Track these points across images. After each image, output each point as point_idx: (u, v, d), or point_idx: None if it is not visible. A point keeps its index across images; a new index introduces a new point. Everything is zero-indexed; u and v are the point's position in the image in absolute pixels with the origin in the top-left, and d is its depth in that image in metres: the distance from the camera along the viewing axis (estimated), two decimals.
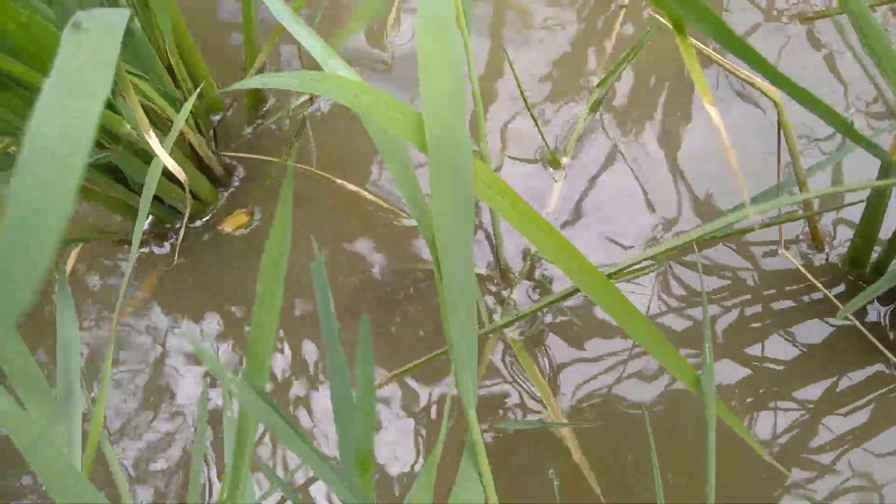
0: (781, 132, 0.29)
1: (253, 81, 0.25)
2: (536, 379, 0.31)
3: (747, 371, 0.33)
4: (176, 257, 0.37)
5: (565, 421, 0.32)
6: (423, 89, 0.20)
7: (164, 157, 0.25)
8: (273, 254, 0.17)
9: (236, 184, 0.40)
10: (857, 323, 0.31)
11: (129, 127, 0.27)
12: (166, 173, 0.32)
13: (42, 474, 0.19)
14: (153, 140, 0.24)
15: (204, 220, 0.39)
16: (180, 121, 0.24)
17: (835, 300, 0.31)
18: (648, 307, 0.35)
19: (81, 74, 0.13)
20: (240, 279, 0.37)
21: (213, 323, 0.36)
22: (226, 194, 0.40)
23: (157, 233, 0.38)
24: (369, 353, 0.17)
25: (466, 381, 0.21)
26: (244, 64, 0.39)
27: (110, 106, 0.26)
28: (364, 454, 0.17)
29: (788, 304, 0.35)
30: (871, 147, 0.23)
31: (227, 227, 0.40)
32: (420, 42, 0.20)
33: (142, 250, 0.39)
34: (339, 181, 0.36)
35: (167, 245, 0.38)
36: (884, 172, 0.24)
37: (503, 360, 0.33)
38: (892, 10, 0.40)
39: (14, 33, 0.18)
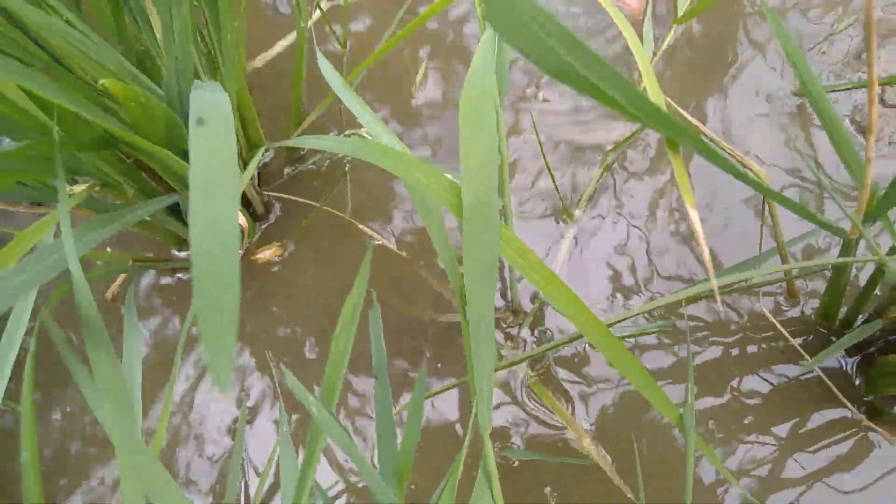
0: (766, 205, 0.33)
1: (306, 142, 0.29)
2: (553, 404, 0.35)
3: (723, 404, 0.37)
4: None
5: (588, 439, 0.36)
6: (463, 165, 0.25)
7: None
8: (352, 299, 0.21)
9: (272, 219, 0.44)
10: (822, 375, 0.35)
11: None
12: None
13: (127, 467, 0.23)
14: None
15: (241, 250, 0.43)
16: (244, 182, 0.29)
17: (802, 351, 0.35)
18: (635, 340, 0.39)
19: (211, 168, 0.17)
20: (266, 302, 0.41)
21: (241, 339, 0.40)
22: (262, 228, 0.44)
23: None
24: (422, 385, 0.21)
25: (484, 411, 0.25)
26: (290, 108, 0.43)
27: (183, 156, 0.30)
28: (405, 466, 0.21)
29: (766, 349, 0.39)
30: (834, 230, 0.27)
31: (261, 257, 0.44)
32: (462, 126, 0.24)
33: (178, 276, 0.43)
34: (370, 233, 0.40)
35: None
36: (845, 250, 0.29)
37: (519, 391, 0.37)
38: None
39: (132, 109, 0.22)
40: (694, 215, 0.21)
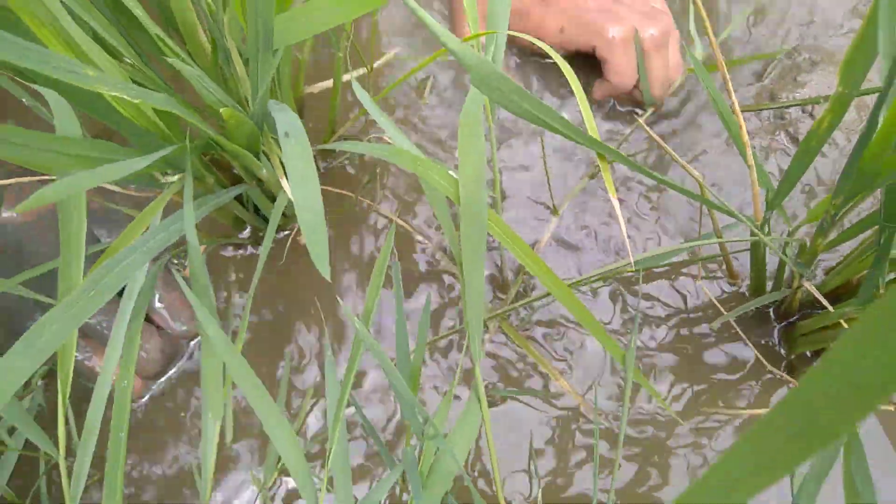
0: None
1: (344, 146, 0.39)
2: (525, 345, 0.45)
3: (669, 360, 0.47)
4: (266, 250, 0.51)
5: (562, 380, 0.46)
6: (460, 168, 0.34)
7: (290, 196, 0.39)
8: (383, 257, 0.31)
9: None
10: (738, 328, 0.45)
11: (265, 171, 0.41)
12: (271, 198, 0.47)
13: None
14: (286, 184, 0.38)
15: (286, 232, 0.53)
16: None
17: (721, 308, 0.45)
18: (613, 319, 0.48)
19: (299, 170, 0.27)
20: (310, 270, 0.51)
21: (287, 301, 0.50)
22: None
23: (256, 238, 0.52)
24: (426, 318, 0.31)
25: (476, 344, 0.35)
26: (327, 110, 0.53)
27: (254, 153, 0.40)
28: (416, 370, 0.31)
29: (708, 327, 0.48)
30: (741, 218, 0.36)
31: (302, 239, 0.54)
32: (460, 140, 0.34)
33: (240, 251, 0.53)
34: (395, 219, 0.50)
35: (260, 248, 0.53)
36: (753, 234, 0.38)
37: (504, 350, 0.47)
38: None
39: (231, 125, 0.32)
40: (616, 203, 0.30)
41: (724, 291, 0.49)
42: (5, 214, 0.41)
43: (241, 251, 0.53)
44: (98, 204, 0.48)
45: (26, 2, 0.23)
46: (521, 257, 0.35)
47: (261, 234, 0.53)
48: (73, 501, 0.30)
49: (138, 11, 0.29)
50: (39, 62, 0.21)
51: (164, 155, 0.31)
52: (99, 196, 0.49)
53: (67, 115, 0.27)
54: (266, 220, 0.52)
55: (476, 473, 0.45)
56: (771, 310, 0.48)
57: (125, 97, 0.24)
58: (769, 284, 0.47)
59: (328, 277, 0.25)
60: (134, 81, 0.35)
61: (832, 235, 0.38)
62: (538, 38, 0.42)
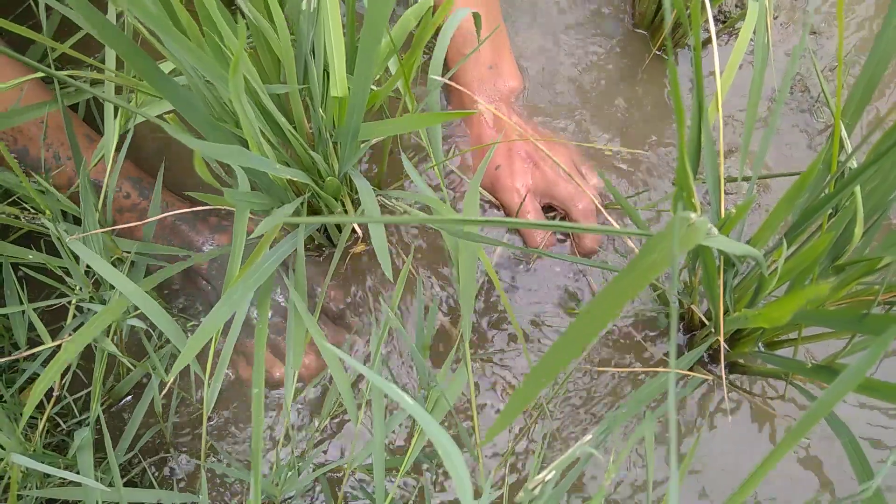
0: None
1: (396, 194, 0.61)
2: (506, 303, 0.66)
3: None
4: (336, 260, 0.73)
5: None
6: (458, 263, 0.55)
7: (356, 227, 0.60)
8: (404, 271, 0.52)
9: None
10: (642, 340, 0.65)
11: (341, 207, 0.62)
12: (338, 227, 0.68)
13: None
14: (358, 229, 0.60)
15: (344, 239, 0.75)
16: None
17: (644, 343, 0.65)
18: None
19: (371, 211, 0.49)
20: (358, 276, 0.72)
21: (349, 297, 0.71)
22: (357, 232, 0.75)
23: (320, 251, 0.74)
24: (434, 308, 0.52)
25: (466, 322, 0.56)
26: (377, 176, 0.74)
27: (335, 198, 0.61)
28: (426, 344, 0.52)
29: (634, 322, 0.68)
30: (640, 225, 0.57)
31: (355, 250, 0.75)
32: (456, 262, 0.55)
33: (314, 255, 0.75)
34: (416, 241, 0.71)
35: (322, 257, 0.74)
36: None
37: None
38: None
39: (328, 185, 0.54)
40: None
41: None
42: (208, 248, 0.65)
43: (315, 255, 0.75)
44: (216, 220, 0.70)
45: (255, 144, 0.45)
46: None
47: (324, 248, 0.74)
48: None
49: (281, 119, 0.50)
50: (256, 163, 0.42)
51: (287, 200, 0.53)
52: (216, 215, 0.71)
53: (244, 180, 0.49)
54: (329, 239, 0.74)
55: (462, 414, 0.66)
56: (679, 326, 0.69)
57: (287, 176, 0.46)
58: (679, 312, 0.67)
59: (390, 276, 0.46)
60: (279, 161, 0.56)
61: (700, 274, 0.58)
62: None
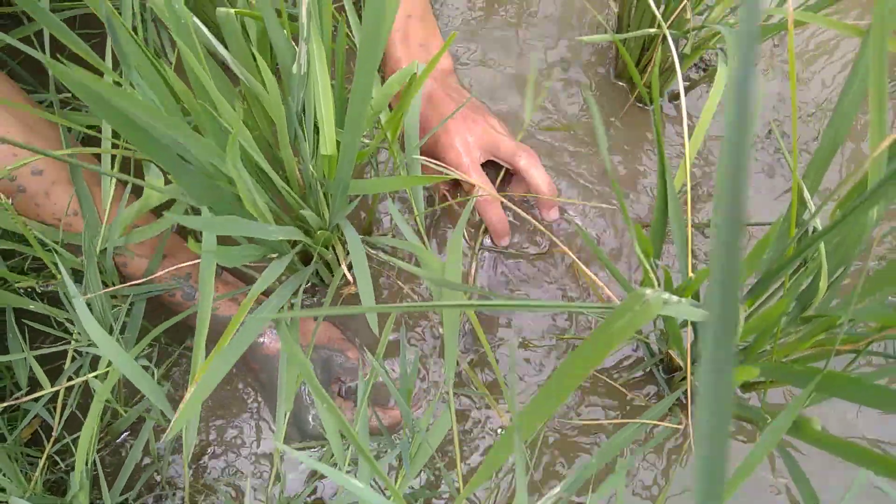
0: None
1: (383, 240, 0.63)
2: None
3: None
4: (329, 302, 0.75)
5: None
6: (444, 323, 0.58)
7: (346, 273, 0.63)
8: (390, 323, 0.54)
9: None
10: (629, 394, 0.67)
11: (330, 256, 0.65)
12: (329, 269, 0.71)
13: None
14: (348, 274, 0.62)
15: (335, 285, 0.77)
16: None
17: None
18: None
19: (359, 262, 0.51)
20: (351, 316, 0.75)
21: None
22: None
23: (313, 292, 0.76)
24: (417, 355, 0.54)
25: (450, 371, 0.58)
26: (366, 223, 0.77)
27: (326, 247, 0.64)
28: (409, 391, 0.54)
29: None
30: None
31: (348, 290, 0.78)
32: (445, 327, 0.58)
33: (305, 299, 0.77)
34: (405, 288, 0.74)
35: (316, 298, 0.77)
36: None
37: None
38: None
39: (319, 236, 0.57)
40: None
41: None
42: (265, 341, 0.66)
43: (307, 296, 0.77)
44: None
45: (251, 204, 0.47)
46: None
47: (317, 288, 0.77)
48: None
49: (276, 177, 0.53)
50: (251, 231, 0.45)
51: (279, 250, 0.56)
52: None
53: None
54: (322, 280, 0.76)
55: (444, 456, 0.68)
56: (659, 367, 0.71)
57: (282, 237, 0.49)
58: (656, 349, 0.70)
59: (377, 332, 0.48)
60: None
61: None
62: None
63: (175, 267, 0.59)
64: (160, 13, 0.49)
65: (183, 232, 0.73)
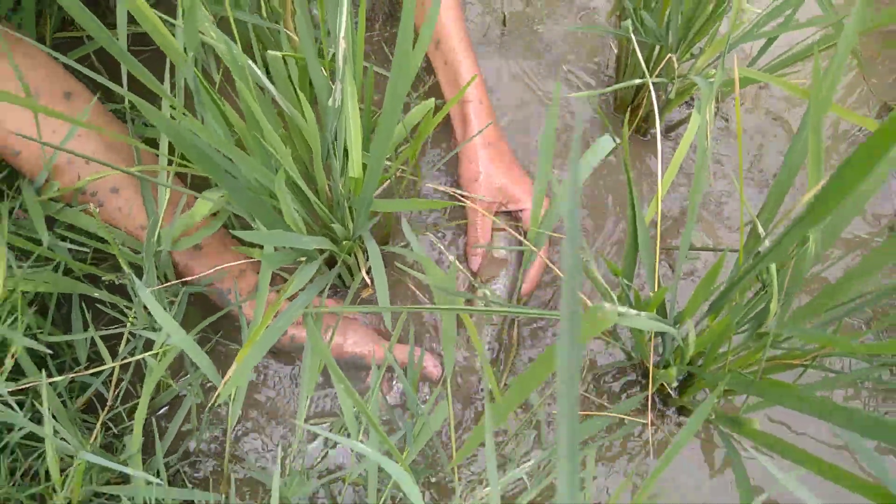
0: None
1: (396, 249, 0.73)
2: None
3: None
4: (348, 301, 0.85)
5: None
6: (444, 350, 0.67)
7: (364, 277, 0.72)
8: (402, 318, 0.64)
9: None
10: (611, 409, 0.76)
11: (351, 261, 0.75)
12: (349, 272, 0.80)
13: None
14: (366, 277, 0.72)
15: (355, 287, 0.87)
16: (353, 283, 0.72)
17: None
18: None
19: (378, 269, 0.61)
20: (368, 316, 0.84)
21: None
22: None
23: (334, 293, 0.86)
24: (423, 353, 0.64)
25: (449, 364, 0.67)
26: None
27: (349, 253, 0.74)
28: (415, 381, 0.64)
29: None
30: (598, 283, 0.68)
31: (365, 293, 0.87)
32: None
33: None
34: (416, 291, 0.83)
35: (335, 298, 0.86)
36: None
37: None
38: None
39: (344, 245, 0.67)
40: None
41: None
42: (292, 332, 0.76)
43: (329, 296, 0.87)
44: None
45: (289, 217, 0.57)
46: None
47: (338, 288, 0.87)
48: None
49: (312, 196, 0.62)
50: (293, 242, 0.55)
51: (308, 255, 0.65)
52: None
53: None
54: (343, 282, 0.86)
55: (444, 436, 0.77)
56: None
57: (316, 247, 0.58)
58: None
59: (391, 328, 0.57)
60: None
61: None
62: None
63: (220, 266, 0.69)
64: (222, 56, 0.58)
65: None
